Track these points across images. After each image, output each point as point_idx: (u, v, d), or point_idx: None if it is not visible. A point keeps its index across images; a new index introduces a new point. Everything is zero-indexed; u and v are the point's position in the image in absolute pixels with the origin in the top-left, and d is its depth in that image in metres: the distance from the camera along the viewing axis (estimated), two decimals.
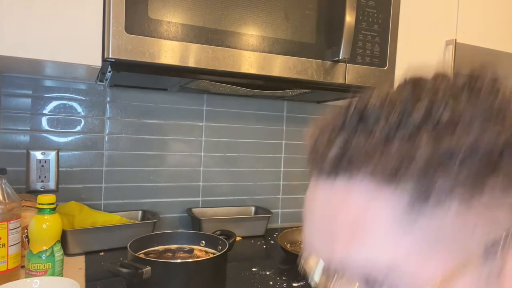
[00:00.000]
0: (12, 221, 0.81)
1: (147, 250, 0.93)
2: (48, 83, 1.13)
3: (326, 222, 0.30)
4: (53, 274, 0.79)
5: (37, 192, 1.12)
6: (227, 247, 0.88)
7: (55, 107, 1.14)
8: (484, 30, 1.34)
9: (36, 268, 0.78)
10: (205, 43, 0.87)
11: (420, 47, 1.20)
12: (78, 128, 1.17)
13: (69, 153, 1.16)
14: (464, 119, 0.26)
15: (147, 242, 0.94)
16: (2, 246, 0.79)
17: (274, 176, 1.45)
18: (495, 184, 0.25)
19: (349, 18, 0.96)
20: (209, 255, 0.90)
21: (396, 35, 1.09)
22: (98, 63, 0.82)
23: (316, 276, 0.30)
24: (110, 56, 0.79)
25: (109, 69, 0.87)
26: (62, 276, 0.82)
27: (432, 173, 0.25)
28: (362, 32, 1.03)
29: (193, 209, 1.28)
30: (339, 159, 0.28)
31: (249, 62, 0.92)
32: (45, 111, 1.13)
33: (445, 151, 0.25)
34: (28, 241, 0.82)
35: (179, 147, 1.29)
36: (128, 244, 0.85)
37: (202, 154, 1.33)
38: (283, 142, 1.46)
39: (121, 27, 0.79)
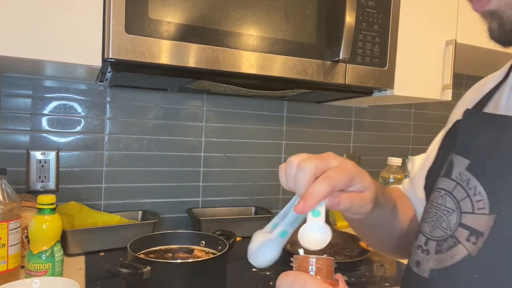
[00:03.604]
0: (12, 221, 0.81)
1: (147, 250, 0.93)
2: (48, 83, 1.13)
3: None
4: (53, 274, 0.79)
5: (37, 192, 1.12)
6: (227, 247, 0.88)
7: (55, 107, 1.14)
8: (484, 30, 1.33)
9: (36, 268, 0.78)
10: (205, 43, 0.87)
11: (420, 47, 1.20)
12: (78, 128, 1.17)
13: (69, 153, 1.16)
14: None
15: (147, 242, 0.94)
16: (2, 246, 0.79)
17: (274, 176, 1.45)
18: None
19: (349, 18, 0.96)
20: (209, 255, 0.90)
21: (396, 35, 1.09)
22: (98, 63, 0.82)
23: None
24: (110, 56, 0.79)
25: (109, 69, 0.87)
26: (62, 276, 0.82)
27: None
28: (362, 32, 1.03)
29: (193, 209, 1.28)
30: None
31: (249, 62, 0.92)
32: (45, 111, 1.13)
33: None
34: (28, 241, 0.82)
35: (179, 147, 1.29)
36: (128, 244, 0.85)
37: (202, 154, 1.33)
38: (283, 142, 1.46)
39: (121, 27, 0.79)
